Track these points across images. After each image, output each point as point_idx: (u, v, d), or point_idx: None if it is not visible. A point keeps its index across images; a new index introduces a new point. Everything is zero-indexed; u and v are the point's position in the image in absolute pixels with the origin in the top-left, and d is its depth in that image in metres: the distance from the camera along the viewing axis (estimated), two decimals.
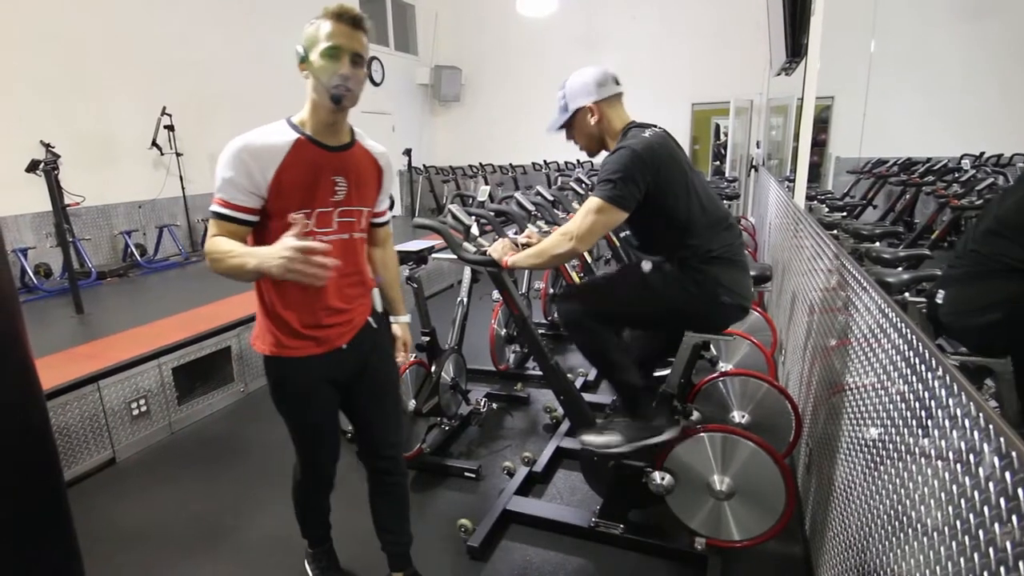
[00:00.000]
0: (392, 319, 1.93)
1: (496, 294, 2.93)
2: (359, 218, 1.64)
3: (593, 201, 1.85)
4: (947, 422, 1.00)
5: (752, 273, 2.12)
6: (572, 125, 2.04)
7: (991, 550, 0.80)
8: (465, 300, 3.21)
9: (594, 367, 2.15)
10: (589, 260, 3.75)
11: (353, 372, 1.74)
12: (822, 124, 8.21)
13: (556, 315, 4.45)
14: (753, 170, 8.20)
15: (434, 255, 2.92)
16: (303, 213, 1.48)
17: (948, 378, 1.01)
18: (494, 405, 3.39)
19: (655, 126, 1.97)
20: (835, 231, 3.52)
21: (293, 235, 1.33)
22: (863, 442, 1.53)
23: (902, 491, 1.20)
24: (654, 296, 2.00)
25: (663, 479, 2.11)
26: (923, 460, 1.10)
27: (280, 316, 1.59)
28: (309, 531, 2.07)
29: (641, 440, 2.05)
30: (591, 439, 2.12)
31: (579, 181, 5.05)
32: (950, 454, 0.97)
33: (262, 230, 1.54)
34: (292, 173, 1.48)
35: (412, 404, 2.73)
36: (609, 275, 2.25)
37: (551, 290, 4.45)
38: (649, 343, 2.39)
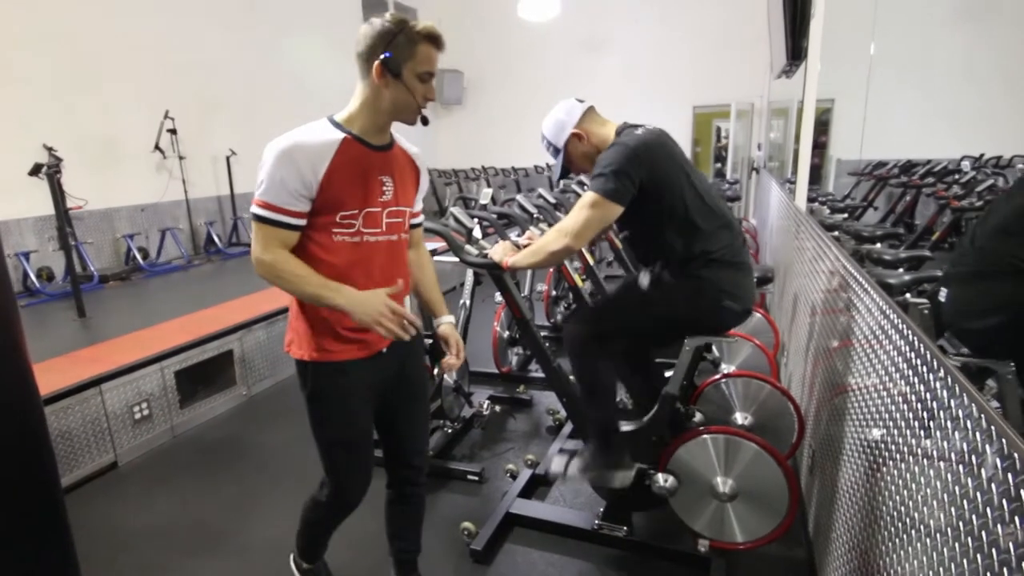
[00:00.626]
0: (437, 320, 1.84)
1: (498, 297, 2.94)
2: (404, 219, 1.63)
3: (587, 196, 1.84)
4: (949, 423, 0.99)
5: (754, 275, 2.13)
6: (570, 160, 2.06)
7: (994, 551, 0.80)
8: (467, 303, 3.21)
9: (578, 389, 2.17)
10: (591, 262, 3.76)
11: (391, 378, 1.70)
12: (823, 126, 8.23)
13: (558, 316, 4.46)
14: (754, 172, 8.21)
15: (436, 258, 2.93)
16: (353, 212, 1.48)
17: (950, 379, 1.01)
18: (497, 408, 3.38)
19: (649, 125, 1.97)
20: (836, 233, 3.52)
21: (387, 293, 1.42)
22: (866, 443, 1.52)
23: (905, 492, 1.20)
24: (657, 310, 2.01)
25: (666, 481, 2.10)
26: (925, 461, 1.10)
27: (323, 318, 1.54)
28: (312, 552, 1.97)
29: (599, 472, 2.13)
30: (554, 466, 2.21)
31: (581, 184, 5.06)
32: (952, 455, 0.97)
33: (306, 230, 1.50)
34: (342, 172, 1.46)
35: None
36: (610, 296, 2.25)
37: (554, 292, 4.46)
38: (650, 345, 2.40)
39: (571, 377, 2.20)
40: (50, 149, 5.12)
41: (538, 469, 2.73)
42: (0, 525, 1.28)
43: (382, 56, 1.41)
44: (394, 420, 1.77)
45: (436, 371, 2.84)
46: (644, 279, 2.03)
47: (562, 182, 4.45)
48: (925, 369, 1.13)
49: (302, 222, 1.46)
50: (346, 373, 1.58)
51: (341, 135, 1.48)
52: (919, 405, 1.15)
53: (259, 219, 1.45)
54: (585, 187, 4.85)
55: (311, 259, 1.48)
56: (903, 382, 1.26)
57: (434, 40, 1.46)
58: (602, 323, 2.10)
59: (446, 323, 1.83)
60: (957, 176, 5.49)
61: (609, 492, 2.25)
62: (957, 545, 0.91)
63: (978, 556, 0.84)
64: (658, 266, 2.02)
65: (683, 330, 2.07)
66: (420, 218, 1.79)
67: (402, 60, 1.43)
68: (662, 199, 1.87)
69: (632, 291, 2.09)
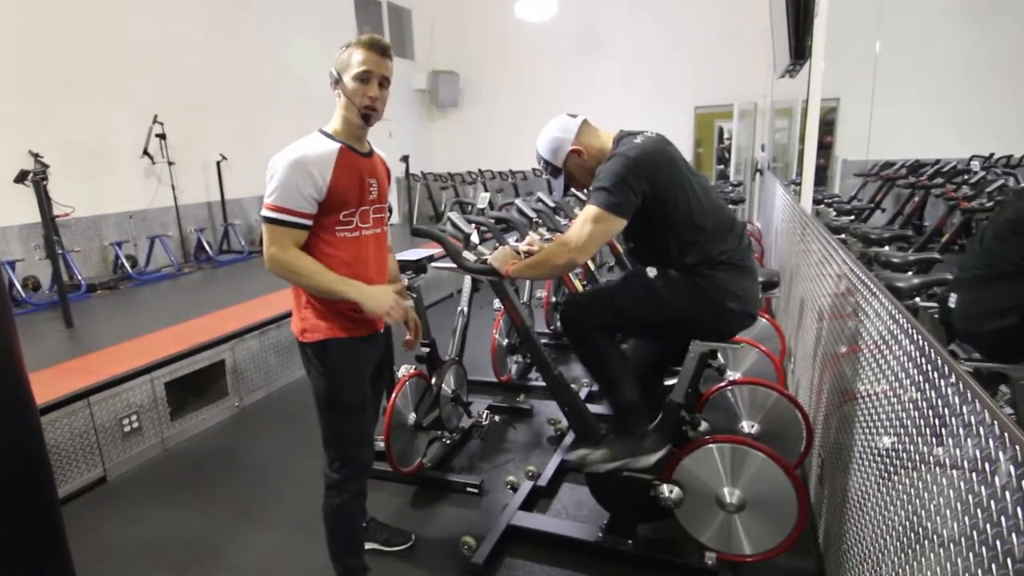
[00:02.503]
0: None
1: (497, 303, 2.89)
2: (385, 213, 1.90)
3: (590, 210, 1.82)
4: (961, 430, 0.98)
5: (760, 279, 2.08)
6: (571, 177, 2.05)
7: (1009, 561, 0.78)
8: (466, 310, 3.18)
9: (591, 378, 2.12)
10: (592, 267, 3.71)
11: (382, 353, 2.01)
12: (827, 126, 8.17)
13: (559, 323, 4.42)
14: (758, 174, 8.16)
15: (433, 264, 2.88)
16: (351, 211, 1.75)
17: (961, 385, 1.00)
18: (496, 417, 3.35)
19: (647, 132, 1.95)
20: (843, 235, 3.48)
21: (396, 291, 1.80)
22: (876, 451, 1.50)
23: (917, 501, 1.18)
24: (660, 304, 1.96)
25: (671, 492, 2.06)
26: (938, 469, 1.09)
27: (334, 306, 1.77)
28: (350, 560, 2.03)
29: (625, 459, 2.02)
30: (580, 453, 2.11)
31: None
32: (965, 463, 0.96)
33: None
34: (343, 177, 1.71)
35: (412, 417, 2.69)
36: (613, 283, 2.22)
37: (553, 299, 4.42)
38: (654, 351, 2.35)
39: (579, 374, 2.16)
40: (36, 155, 5.07)
41: (539, 480, 2.68)
42: (1, 536, 1.26)
43: (330, 71, 1.71)
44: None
45: (434, 381, 2.79)
46: (651, 271, 1.99)
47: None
48: (936, 375, 1.12)
49: (311, 222, 1.71)
50: (358, 347, 1.85)
51: (337, 144, 1.73)
52: (930, 412, 1.13)
53: (275, 221, 1.67)
54: (586, 192, 4.83)
55: (320, 255, 1.73)
56: (913, 388, 1.24)
57: (368, 45, 1.67)
58: (602, 307, 2.06)
59: (407, 305, 2.04)
60: (967, 176, 5.41)
61: (617, 500, 2.20)
62: (971, 555, 0.90)
63: (993, 566, 0.83)
64: (663, 267, 1.98)
65: (685, 330, 2.03)
66: (392, 211, 2.10)
67: (342, 69, 1.70)
68: (665, 208, 1.85)
69: (637, 279, 2.05)
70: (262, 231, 1.73)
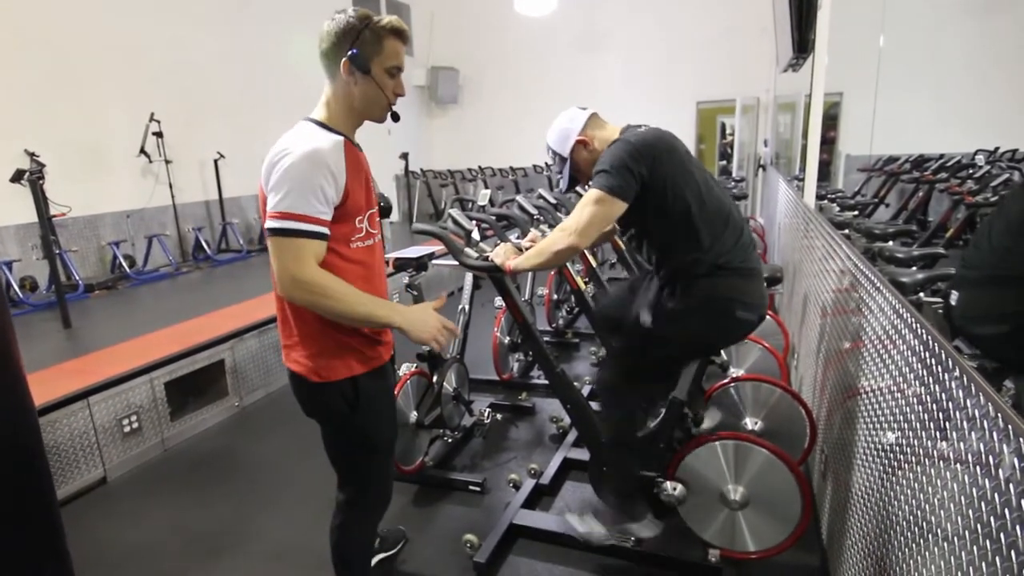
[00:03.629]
0: None
1: (499, 301, 2.89)
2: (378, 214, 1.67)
3: (590, 193, 1.81)
4: (966, 424, 0.98)
5: (763, 275, 2.07)
6: (577, 168, 2.04)
7: (1013, 553, 0.79)
8: (467, 307, 3.17)
9: (612, 445, 2.15)
10: (594, 264, 3.71)
11: None
12: (831, 121, 8.11)
13: (560, 320, 4.41)
14: (761, 169, 8.13)
15: (435, 261, 2.88)
16: (363, 216, 1.49)
17: (966, 379, 0.99)
18: (498, 416, 3.34)
19: (651, 125, 1.94)
20: (846, 231, 3.45)
21: (435, 307, 1.51)
22: (880, 447, 1.50)
23: (921, 496, 1.18)
24: (673, 341, 1.96)
25: (675, 489, 2.06)
26: (942, 464, 1.09)
27: (358, 332, 1.51)
28: None
29: (623, 529, 2.12)
30: (574, 523, 2.18)
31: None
32: (969, 457, 0.96)
33: None
34: (353, 175, 1.44)
35: (414, 416, 2.68)
36: (626, 346, 2.20)
37: (555, 296, 4.41)
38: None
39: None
40: (32, 155, 5.03)
41: (542, 479, 2.67)
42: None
43: (349, 53, 1.40)
44: None
45: (435, 379, 2.79)
46: (645, 317, 1.96)
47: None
48: (940, 369, 1.11)
49: (329, 231, 1.39)
50: (386, 374, 1.63)
51: (339, 137, 1.44)
52: (934, 406, 1.13)
53: (291, 233, 1.34)
54: (588, 185, 4.82)
55: (339, 271, 1.42)
56: (918, 383, 1.24)
57: (400, 34, 1.45)
58: (628, 371, 2.08)
59: None
60: (971, 171, 5.38)
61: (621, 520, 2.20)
62: (975, 548, 0.90)
63: (996, 559, 0.83)
64: (661, 288, 1.96)
65: (703, 350, 2.06)
66: None
67: (369, 56, 1.41)
68: (665, 195, 1.83)
69: (641, 334, 2.01)
70: (269, 247, 1.38)
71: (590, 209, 1.79)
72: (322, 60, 1.45)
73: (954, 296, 1.92)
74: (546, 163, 9.70)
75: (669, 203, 1.83)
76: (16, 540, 1.29)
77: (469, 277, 3.17)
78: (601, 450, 2.19)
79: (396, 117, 1.52)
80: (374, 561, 2.19)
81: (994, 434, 0.87)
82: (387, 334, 1.63)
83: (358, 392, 1.53)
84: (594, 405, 2.37)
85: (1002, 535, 0.82)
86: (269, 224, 1.36)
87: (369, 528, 1.82)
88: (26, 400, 1.33)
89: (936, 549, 1.07)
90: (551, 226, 3.56)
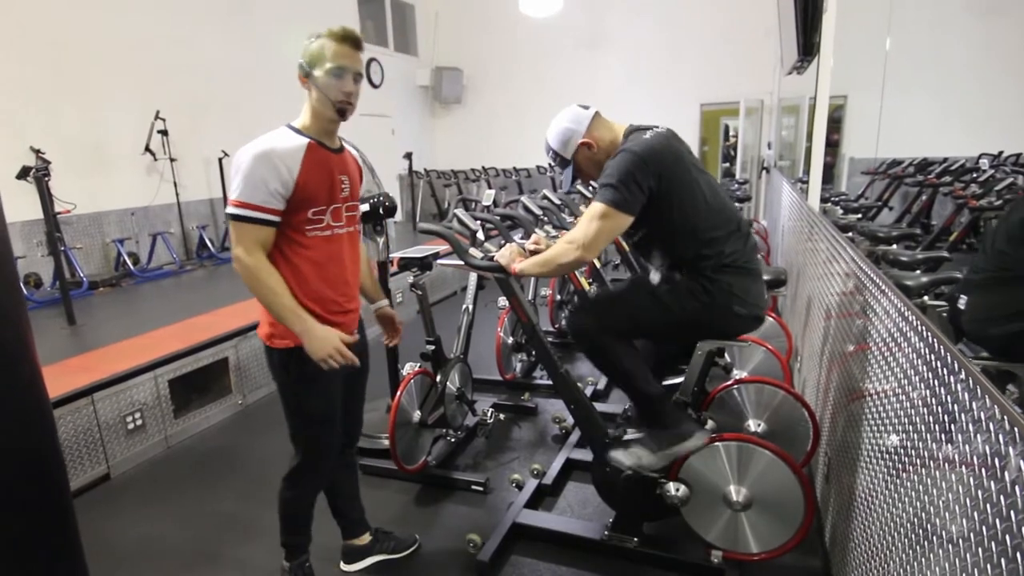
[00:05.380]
0: (377, 304, 2.10)
1: (502, 301, 2.89)
2: (356, 212, 1.84)
3: (596, 207, 1.81)
4: (971, 426, 0.98)
5: (766, 277, 2.08)
6: (580, 169, 2.04)
7: (1019, 555, 0.78)
8: (470, 307, 3.17)
9: (609, 380, 2.12)
10: (598, 265, 3.71)
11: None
12: (835, 124, 8.11)
13: (563, 321, 4.41)
14: (764, 172, 8.12)
15: (439, 261, 2.88)
16: (322, 208, 1.68)
17: (971, 381, 0.99)
18: (501, 416, 3.33)
19: (657, 127, 1.93)
20: (850, 234, 3.46)
21: (345, 341, 1.68)
22: (884, 449, 1.49)
23: (925, 498, 1.18)
24: (665, 309, 1.95)
25: (678, 490, 2.06)
26: (946, 466, 1.08)
27: (306, 308, 1.69)
28: (294, 537, 2.06)
29: (673, 449, 2.00)
30: (622, 459, 2.06)
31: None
32: (974, 459, 0.95)
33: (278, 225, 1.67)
34: (313, 173, 1.64)
35: (417, 415, 2.69)
36: (618, 289, 2.21)
37: (558, 296, 4.41)
38: (660, 350, 2.34)
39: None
40: (38, 152, 5.05)
41: (544, 479, 2.68)
42: (15, 534, 1.27)
43: (299, 64, 1.63)
44: (347, 395, 1.97)
45: (438, 379, 2.79)
46: (655, 276, 1.97)
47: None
48: (945, 372, 1.11)
49: (277, 219, 1.63)
50: None
51: (306, 140, 1.66)
52: (939, 409, 1.13)
53: (238, 218, 1.60)
54: (591, 188, 4.82)
55: (291, 254, 1.68)
56: (923, 385, 1.23)
57: (342, 38, 1.62)
58: (609, 315, 2.06)
59: (384, 306, 2.10)
60: (975, 175, 5.38)
61: (623, 499, 2.19)
62: (980, 551, 0.90)
63: (1002, 561, 0.83)
64: (668, 267, 1.96)
65: (691, 333, 2.04)
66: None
67: (313, 63, 1.62)
68: (671, 205, 1.84)
69: (642, 286, 2.04)
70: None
71: (597, 224, 1.80)
72: None
73: (962, 300, 1.93)
74: (549, 164, 9.69)
75: (675, 211, 1.84)
76: (32, 534, 1.30)
77: (473, 277, 3.17)
78: (605, 451, 2.19)
79: (341, 113, 1.67)
80: (371, 562, 2.25)
81: (1000, 436, 0.87)
82: (345, 317, 1.81)
83: (296, 362, 1.72)
84: (598, 406, 2.37)
85: (1007, 537, 0.82)
86: (227, 209, 1.63)
87: (300, 495, 1.99)
88: (43, 396, 1.33)
89: (940, 552, 1.06)
90: (555, 227, 3.56)
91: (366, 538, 2.25)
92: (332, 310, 1.75)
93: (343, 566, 2.24)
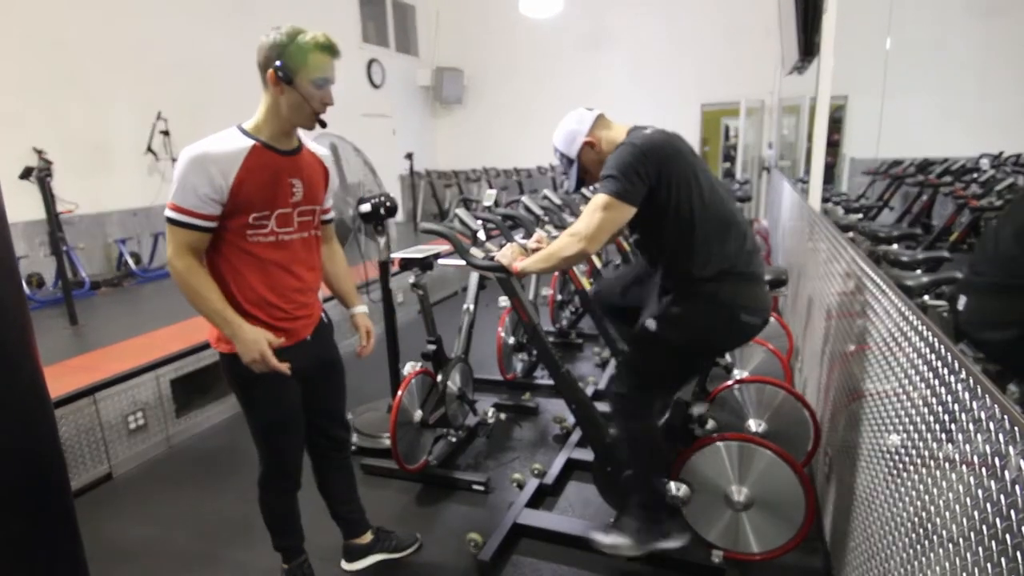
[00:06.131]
0: (352, 310, 2.02)
1: (503, 301, 2.89)
2: (314, 216, 1.78)
3: (599, 198, 1.81)
4: (971, 426, 0.98)
5: (767, 277, 2.07)
6: (585, 169, 2.05)
7: (1019, 554, 0.79)
8: (471, 307, 3.17)
9: (628, 455, 2.13)
10: (599, 265, 3.71)
11: (314, 362, 1.86)
12: (835, 124, 8.11)
13: (564, 322, 4.42)
14: (765, 172, 8.13)
15: (441, 261, 2.88)
16: (264, 214, 1.63)
17: (972, 381, 0.99)
18: (502, 415, 3.33)
19: (657, 126, 1.94)
20: (851, 234, 3.46)
21: (273, 344, 1.62)
22: (884, 449, 1.49)
23: (926, 498, 1.18)
24: (679, 345, 1.95)
25: (679, 490, 2.06)
26: (947, 466, 1.08)
27: (248, 314, 1.67)
28: (283, 540, 2.05)
29: (652, 545, 2.05)
30: (601, 539, 2.12)
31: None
32: (975, 458, 0.96)
33: (217, 231, 1.63)
34: (251, 177, 1.59)
35: (418, 415, 2.69)
36: (631, 354, 2.19)
37: (559, 296, 4.41)
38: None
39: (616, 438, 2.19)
40: (40, 152, 5.03)
41: (545, 478, 2.68)
42: (16, 534, 1.27)
43: (275, 65, 1.56)
44: (319, 398, 1.94)
45: (439, 378, 2.80)
46: (650, 323, 1.96)
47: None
48: (946, 371, 1.11)
49: (211, 224, 1.59)
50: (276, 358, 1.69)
51: (250, 142, 1.62)
52: (940, 408, 1.13)
53: (171, 221, 1.57)
54: (593, 189, 4.83)
55: (235, 259, 1.64)
56: (923, 385, 1.23)
57: (326, 48, 1.59)
58: (642, 386, 2.05)
59: (360, 312, 2.02)
60: (975, 175, 5.38)
61: (624, 499, 2.20)
62: (980, 550, 0.90)
63: (1002, 560, 0.83)
64: (665, 291, 1.96)
65: (710, 352, 2.07)
66: (330, 215, 1.95)
67: (294, 68, 1.56)
68: (670, 199, 1.83)
69: (648, 340, 2.00)
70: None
71: (599, 215, 1.80)
72: (258, 71, 1.62)
73: (961, 301, 1.92)
74: (551, 164, 9.70)
75: (674, 206, 1.83)
76: (33, 534, 1.30)
77: (474, 277, 3.17)
78: (606, 452, 2.19)
79: (323, 124, 1.66)
80: (372, 560, 2.24)
81: (1000, 436, 0.87)
82: (294, 323, 1.76)
83: (239, 369, 1.67)
84: (599, 406, 2.37)
85: (1008, 536, 0.82)
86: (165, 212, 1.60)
87: (274, 500, 1.96)
88: (45, 396, 1.34)
89: (941, 551, 1.07)
90: (556, 227, 3.57)
91: (367, 537, 2.24)
92: (277, 316, 1.71)
93: (344, 565, 2.24)
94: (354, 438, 2.96)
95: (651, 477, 2.09)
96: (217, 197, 1.56)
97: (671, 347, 1.95)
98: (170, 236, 1.58)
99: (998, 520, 0.85)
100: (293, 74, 1.56)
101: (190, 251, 1.59)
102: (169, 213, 1.56)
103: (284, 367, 1.65)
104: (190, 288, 1.59)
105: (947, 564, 1.03)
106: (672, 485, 2.06)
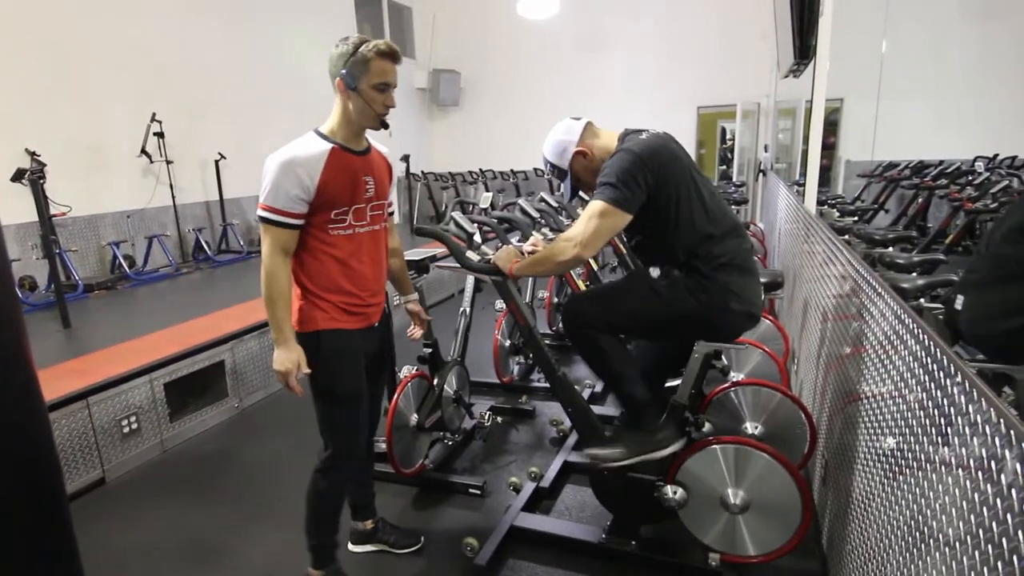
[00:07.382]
0: (406, 298, 2.27)
1: (499, 304, 2.89)
2: (383, 210, 1.94)
3: (595, 205, 1.81)
4: (967, 429, 0.98)
5: (763, 279, 2.08)
6: (578, 179, 2.05)
7: (1015, 558, 0.79)
8: (468, 310, 3.16)
9: (597, 376, 2.12)
10: (595, 267, 3.71)
11: (377, 347, 2.06)
12: (831, 127, 8.13)
13: (560, 323, 4.41)
14: (761, 174, 8.14)
15: (436, 264, 2.87)
16: (344, 209, 1.80)
17: (967, 384, 0.99)
18: (498, 419, 3.34)
19: (652, 130, 1.95)
20: (847, 236, 3.46)
21: (302, 371, 1.80)
22: (880, 452, 1.49)
23: (922, 501, 1.18)
24: (662, 303, 1.95)
25: (675, 493, 2.05)
26: (943, 469, 1.08)
27: (328, 299, 1.85)
28: (324, 538, 2.06)
29: (644, 454, 2.01)
30: (594, 451, 2.09)
31: None
32: (971, 462, 0.96)
33: (303, 226, 1.79)
34: (334, 177, 1.75)
35: (414, 418, 2.68)
36: (616, 282, 2.21)
37: (556, 299, 4.40)
38: (659, 352, 2.34)
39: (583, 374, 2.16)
40: (33, 154, 5.02)
41: (542, 482, 2.67)
42: (11, 539, 1.25)
43: (341, 73, 1.71)
44: (371, 379, 2.06)
45: (436, 382, 2.79)
46: (654, 271, 1.98)
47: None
48: (942, 374, 1.11)
49: (300, 222, 1.76)
50: (351, 338, 1.90)
51: (329, 145, 1.77)
52: (936, 411, 1.13)
53: (265, 220, 1.74)
54: (591, 195, 4.83)
55: (317, 251, 1.81)
56: (919, 388, 1.23)
57: (387, 55, 1.72)
58: (606, 304, 2.05)
59: (414, 299, 2.31)
60: (971, 177, 5.40)
61: (620, 502, 2.19)
62: (977, 553, 0.90)
63: (999, 564, 0.83)
64: (666, 267, 1.97)
65: (688, 329, 2.03)
66: (393, 207, 2.08)
67: (358, 75, 1.71)
68: (668, 204, 1.85)
69: (641, 279, 2.04)
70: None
71: (595, 222, 1.80)
72: (330, 80, 1.76)
73: (959, 300, 1.93)
74: (545, 174, 9.66)
75: (672, 212, 1.85)
76: (29, 539, 1.29)
77: (470, 280, 3.17)
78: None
79: (385, 125, 1.79)
80: (373, 548, 2.35)
81: (996, 439, 0.87)
82: (366, 310, 1.93)
83: (320, 344, 1.85)
84: (595, 409, 2.37)
85: (1004, 540, 0.82)
86: (257, 211, 1.76)
87: (333, 486, 2.03)
88: (39, 400, 1.32)
89: (937, 554, 1.07)
90: (553, 229, 3.56)
91: (369, 524, 2.34)
92: (351, 303, 1.86)
93: (350, 547, 2.34)
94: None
95: (623, 384, 2.08)
96: (305, 197, 1.72)
97: (658, 298, 1.95)
98: (264, 233, 1.75)
99: (994, 524, 0.85)
100: (357, 80, 1.71)
101: (281, 250, 1.76)
102: (263, 213, 1.73)
103: (299, 390, 1.81)
104: (268, 291, 1.75)
105: (943, 568, 1.03)
106: (668, 488, 2.06)
